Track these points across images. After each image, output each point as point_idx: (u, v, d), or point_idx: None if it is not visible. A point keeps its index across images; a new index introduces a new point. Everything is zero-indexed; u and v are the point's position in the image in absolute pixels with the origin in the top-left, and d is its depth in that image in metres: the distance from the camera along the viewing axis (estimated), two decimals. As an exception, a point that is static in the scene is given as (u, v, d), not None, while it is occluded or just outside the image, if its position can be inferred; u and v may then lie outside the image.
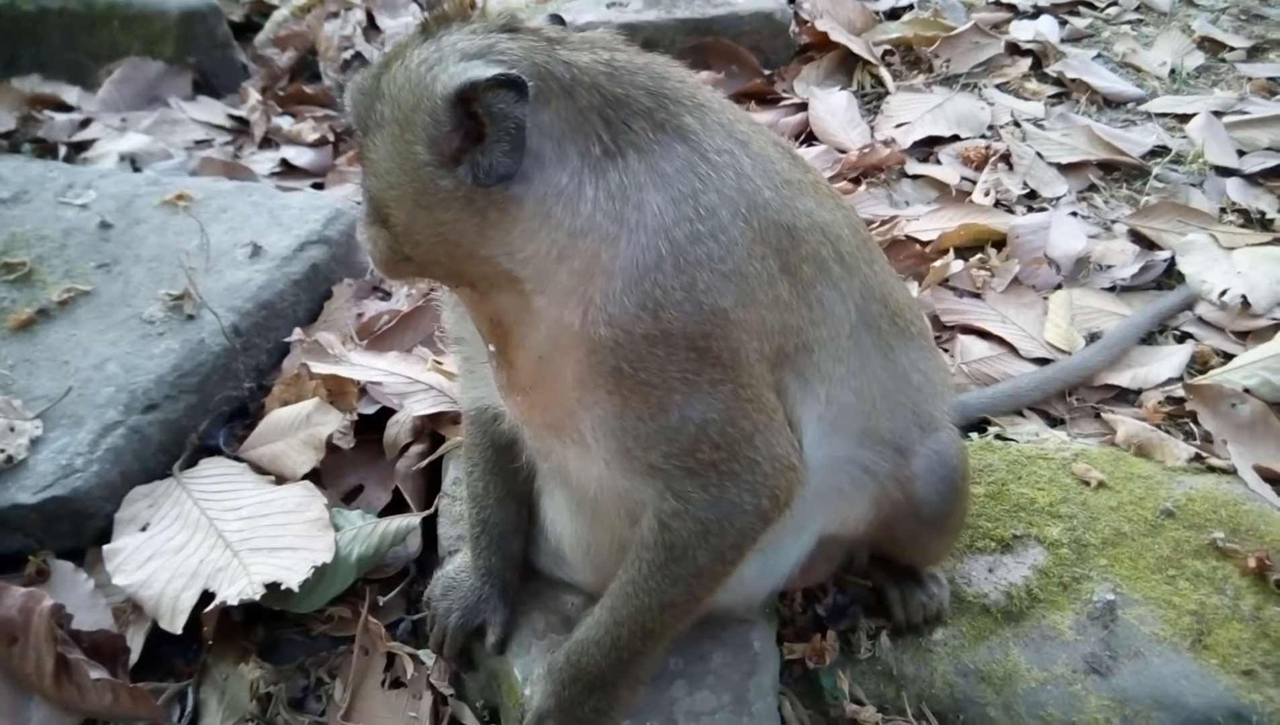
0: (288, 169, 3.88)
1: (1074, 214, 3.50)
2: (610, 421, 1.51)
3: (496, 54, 1.40)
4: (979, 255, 3.30)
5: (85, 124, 4.07)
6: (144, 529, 2.28)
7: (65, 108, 4.20)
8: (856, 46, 4.50)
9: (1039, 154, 3.80)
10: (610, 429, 1.52)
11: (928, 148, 3.97)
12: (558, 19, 1.64)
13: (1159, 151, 3.85)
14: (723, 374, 1.48)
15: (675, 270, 1.43)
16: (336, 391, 2.54)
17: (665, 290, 1.42)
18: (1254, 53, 4.56)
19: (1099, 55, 4.57)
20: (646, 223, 1.42)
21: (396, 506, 2.43)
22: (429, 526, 2.34)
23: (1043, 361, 2.88)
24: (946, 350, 2.94)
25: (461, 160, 1.38)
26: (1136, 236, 3.40)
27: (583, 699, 1.76)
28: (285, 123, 4.18)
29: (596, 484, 1.69)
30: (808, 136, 4.02)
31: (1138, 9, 4.97)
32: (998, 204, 3.58)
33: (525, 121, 1.34)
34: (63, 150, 3.91)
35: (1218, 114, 3.99)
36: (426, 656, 2.13)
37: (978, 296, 3.14)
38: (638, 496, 1.62)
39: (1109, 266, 3.25)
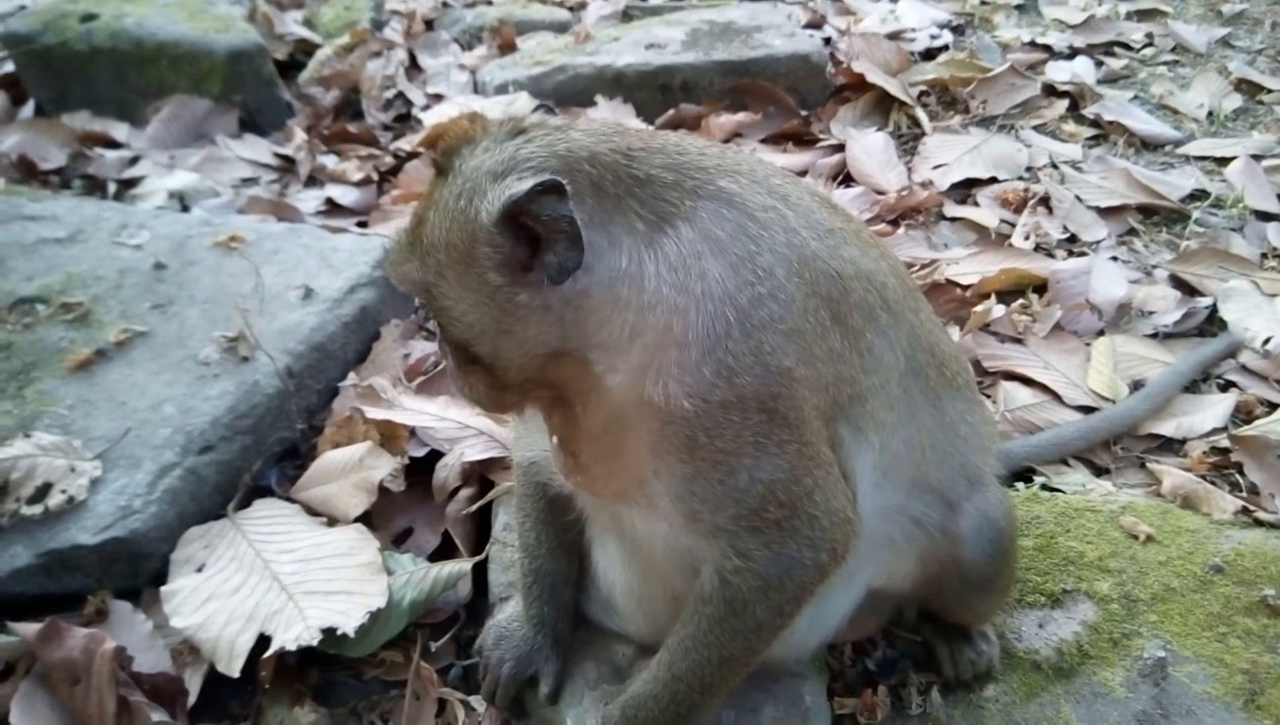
0: (332, 207, 3.95)
1: (1114, 258, 3.50)
2: (680, 487, 1.54)
3: (523, 163, 1.45)
4: (1020, 300, 3.31)
5: (134, 161, 4.16)
6: (200, 570, 2.32)
7: (114, 145, 4.30)
8: (892, 87, 4.54)
9: (1078, 197, 3.81)
10: (679, 494, 1.55)
11: (965, 189, 3.98)
12: (549, 109, 1.73)
13: (1198, 195, 3.85)
14: (790, 433, 1.51)
15: (743, 335, 1.46)
16: (388, 435, 2.58)
17: (736, 356, 1.46)
18: (1291, 95, 4.57)
19: (1136, 97, 4.58)
20: (711, 291, 1.46)
21: (446, 550, 2.46)
22: (479, 572, 2.37)
23: (1087, 409, 2.88)
24: (989, 396, 2.95)
25: (532, 268, 1.43)
26: (1177, 282, 3.40)
27: None
28: (330, 161, 4.26)
29: (659, 541, 1.72)
30: (845, 178, 4.05)
31: (1174, 50, 4.99)
32: (1038, 248, 3.59)
33: (574, 215, 1.39)
34: (112, 187, 4.00)
35: (1257, 157, 3.99)
36: (477, 703, 2.14)
37: (1020, 342, 3.14)
38: (700, 554, 1.65)
39: (1151, 312, 3.25)
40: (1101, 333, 3.17)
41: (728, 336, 1.45)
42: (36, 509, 2.29)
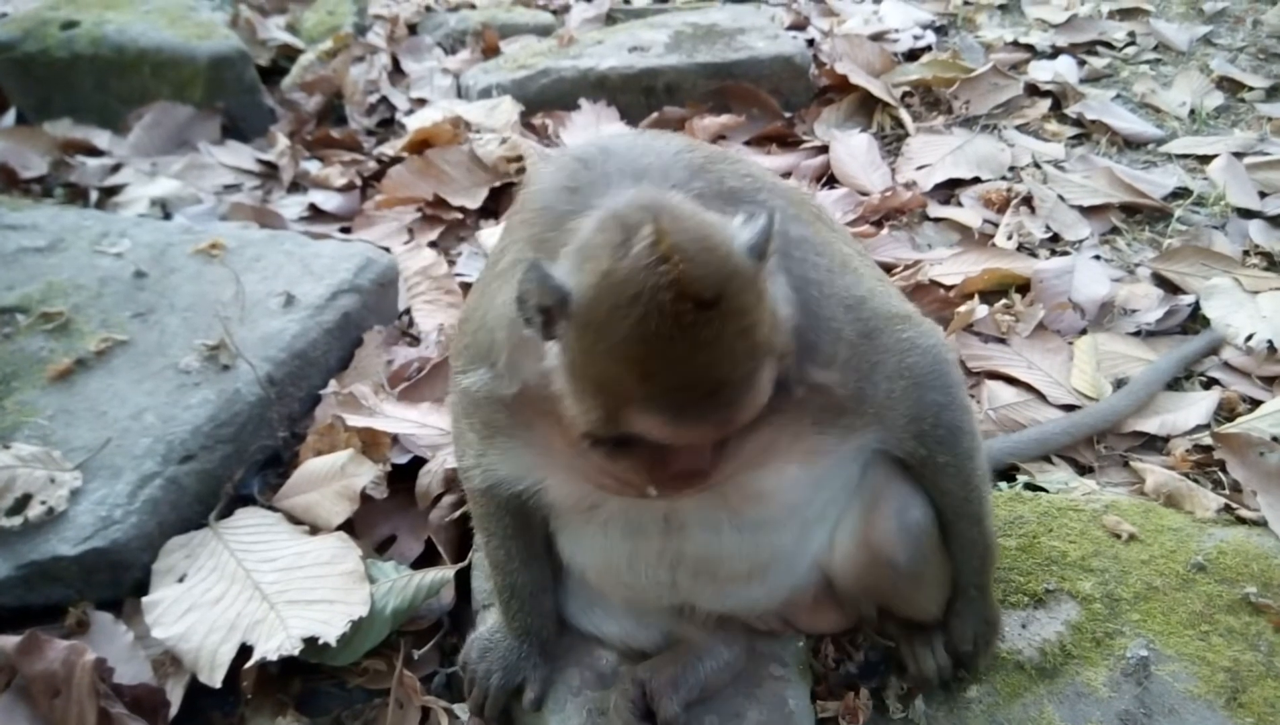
0: (316, 213, 3.93)
1: (1097, 257, 3.51)
2: (826, 428, 1.68)
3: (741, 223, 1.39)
4: (1003, 300, 3.31)
5: (116, 169, 4.14)
6: (181, 580, 2.31)
7: (96, 152, 4.27)
8: (876, 88, 4.54)
9: (1060, 196, 3.82)
10: (822, 433, 1.69)
11: (949, 190, 3.98)
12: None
13: (1180, 193, 3.86)
14: (887, 333, 1.72)
15: (826, 295, 1.60)
16: (370, 442, 2.57)
17: (833, 316, 1.59)
18: (1273, 92, 4.58)
19: (1118, 96, 4.59)
20: (793, 281, 1.52)
21: (428, 557, 2.45)
22: (462, 578, 2.36)
23: (1070, 408, 2.88)
24: (972, 396, 2.95)
25: None
26: (1160, 280, 3.40)
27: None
28: (313, 167, 4.24)
29: (777, 495, 1.77)
30: (829, 179, 4.05)
31: (1156, 49, 5.01)
32: (1020, 247, 3.59)
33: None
34: (94, 195, 3.98)
35: (1238, 155, 4.00)
36: (461, 710, 2.14)
37: (1003, 342, 3.15)
38: (862, 449, 1.82)
39: (1133, 311, 3.25)
40: (1084, 331, 3.17)
41: (820, 306, 1.57)
42: (16, 520, 2.27)
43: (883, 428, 1.76)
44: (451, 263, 3.57)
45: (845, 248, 1.86)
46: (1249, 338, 3.04)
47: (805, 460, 1.73)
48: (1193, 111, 4.44)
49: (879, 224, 3.74)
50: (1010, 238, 3.62)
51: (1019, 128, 4.38)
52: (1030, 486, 2.57)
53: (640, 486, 1.49)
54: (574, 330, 1.30)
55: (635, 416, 1.31)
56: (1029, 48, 5.02)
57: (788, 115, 4.53)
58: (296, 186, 4.16)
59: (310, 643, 2.11)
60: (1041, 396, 2.94)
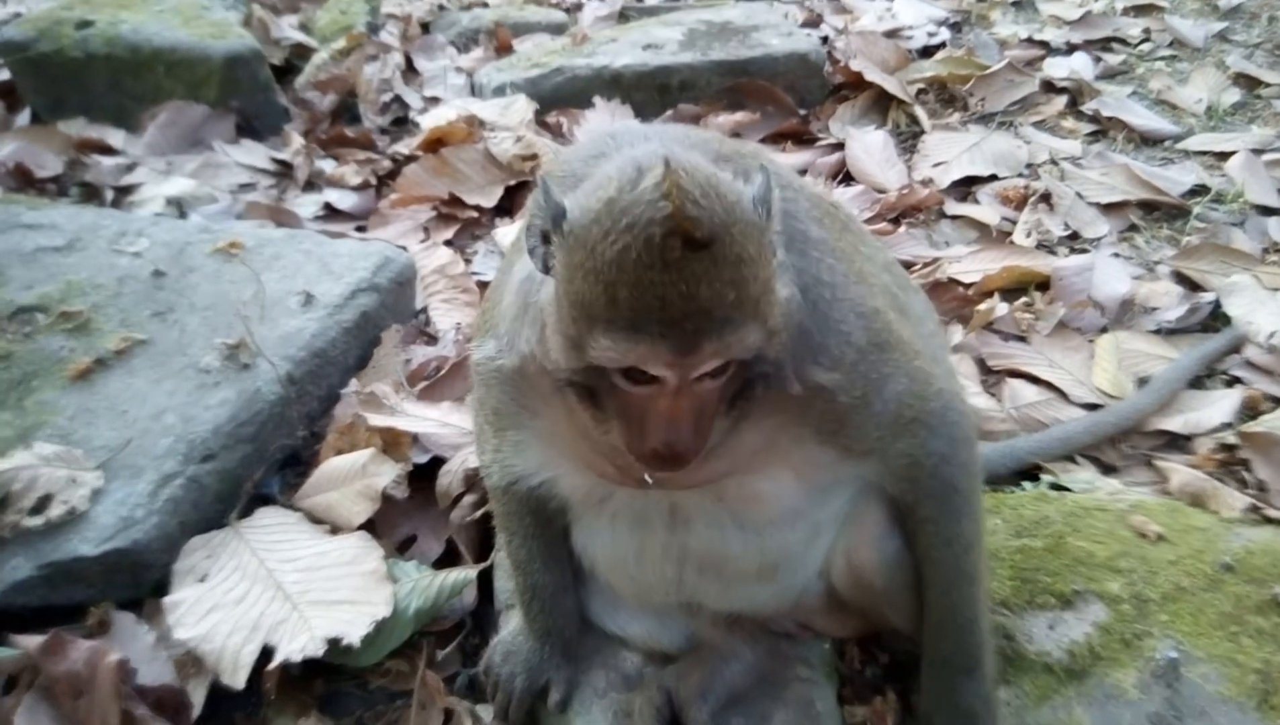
0: (331, 212, 3.94)
1: (1116, 255, 3.49)
2: (826, 439, 1.65)
3: (717, 171, 1.38)
4: (1023, 298, 3.29)
5: (131, 168, 4.15)
6: (203, 580, 2.30)
7: (111, 152, 4.28)
8: (891, 86, 4.53)
9: (1079, 193, 3.80)
10: (821, 444, 1.65)
11: (966, 187, 3.97)
12: None
13: (1198, 190, 3.84)
14: (900, 352, 1.66)
15: (838, 301, 1.59)
16: (390, 441, 2.56)
17: (843, 319, 1.58)
18: (1290, 89, 4.56)
19: (1134, 92, 4.57)
20: (805, 275, 1.53)
21: (450, 557, 2.45)
22: (484, 579, 2.35)
23: (1093, 406, 2.87)
24: (994, 395, 2.94)
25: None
26: (1180, 278, 3.38)
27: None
28: (328, 166, 4.24)
29: (772, 501, 1.75)
30: (845, 176, 4.04)
31: (1171, 45, 4.98)
32: (1039, 245, 3.58)
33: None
34: (109, 194, 3.99)
35: (1256, 152, 3.98)
36: (484, 711, 2.13)
37: (1023, 340, 3.13)
38: (868, 474, 1.76)
39: (1154, 308, 3.23)
40: (1105, 329, 3.15)
41: (831, 307, 1.56)
42: (38, 520, 2.27)
43: (883, 462, 1.73)
44: (468, 261, 3.57)
45: (884, 276, 1.85)
46: (1271, 335, 3.02)
47: (802, 472, 1.71)
48: (1209, 108, 4.42)
49: (896, 221, 3.73)
50: (1029, 235, 3.60)
51: (1035, 125, 4.37)
52: (1055, 486, 2.56)
53: (633, 469, 1.51)
54: (563, 251, 1.32)
55: (598, 338, 1.30)
56: (1044, 44, 5.01)
57: (803, 112, 4.53)
58: (311, 185, 4.17)
59: (333, 643, 2.11)
60: (1063, 395, 2.92)
